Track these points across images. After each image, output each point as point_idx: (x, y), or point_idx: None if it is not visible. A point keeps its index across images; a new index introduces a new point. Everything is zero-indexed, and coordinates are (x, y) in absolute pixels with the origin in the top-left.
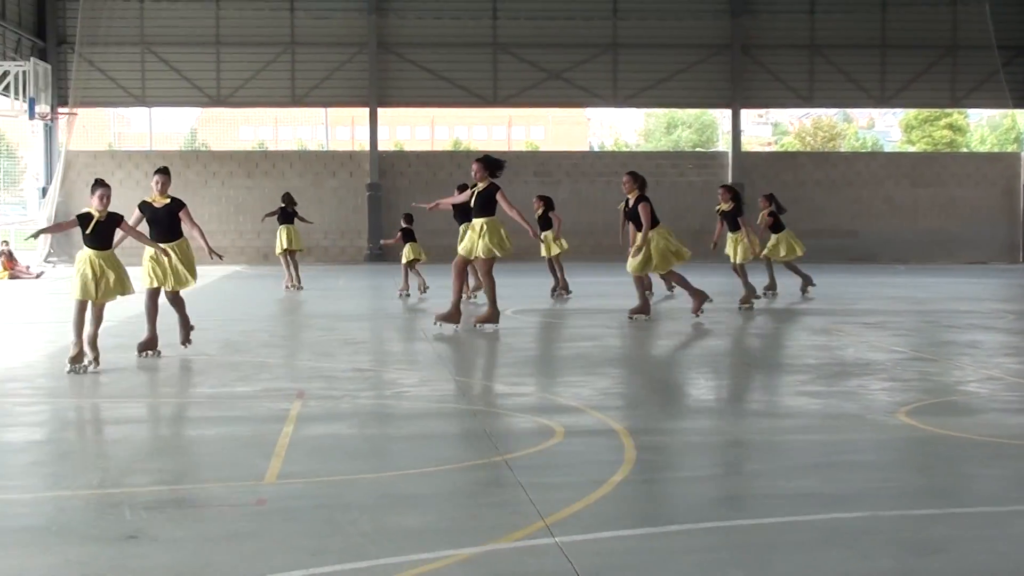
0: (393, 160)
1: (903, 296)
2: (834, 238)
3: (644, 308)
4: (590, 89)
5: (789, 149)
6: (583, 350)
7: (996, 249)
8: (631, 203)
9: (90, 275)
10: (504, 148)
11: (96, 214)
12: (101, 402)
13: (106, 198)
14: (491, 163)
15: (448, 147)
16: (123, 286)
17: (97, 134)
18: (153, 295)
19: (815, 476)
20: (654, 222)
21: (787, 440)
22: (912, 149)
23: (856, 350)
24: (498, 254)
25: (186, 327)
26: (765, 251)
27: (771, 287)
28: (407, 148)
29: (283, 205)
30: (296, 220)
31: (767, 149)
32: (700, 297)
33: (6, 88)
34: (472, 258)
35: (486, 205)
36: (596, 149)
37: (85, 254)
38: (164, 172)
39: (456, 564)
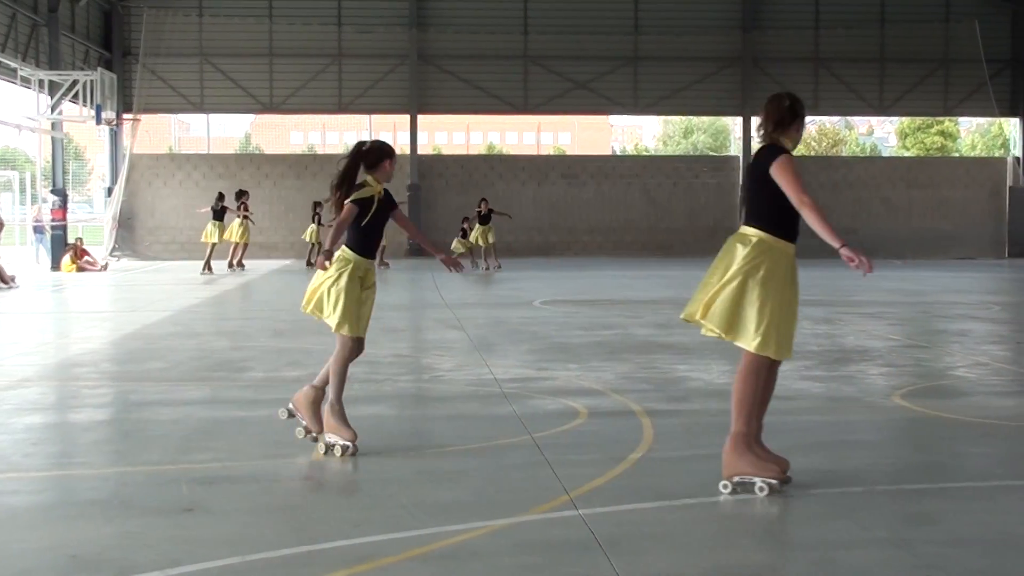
0: (432, 163)
1: (898, 289)
2: None
3: None
4: (613, 98)
5: (795, 153)
6: (605, 338)
7: (984, 246)
8: None
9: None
10: (533, 152)
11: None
12: (160, 386)
13: None
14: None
15: (482, 151)
16: None
17: (159, 138)
18: None
19: (818, 454)
20: None
21: (792, 421)
22: (907, 154)
23: (855, 338)
24: None
25: None
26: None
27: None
28: (444, 152)
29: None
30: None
31: None
32: None
33: (75, 96)
34: None
35: None
36: (618, 153)
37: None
38: None
39: (487, 534)
